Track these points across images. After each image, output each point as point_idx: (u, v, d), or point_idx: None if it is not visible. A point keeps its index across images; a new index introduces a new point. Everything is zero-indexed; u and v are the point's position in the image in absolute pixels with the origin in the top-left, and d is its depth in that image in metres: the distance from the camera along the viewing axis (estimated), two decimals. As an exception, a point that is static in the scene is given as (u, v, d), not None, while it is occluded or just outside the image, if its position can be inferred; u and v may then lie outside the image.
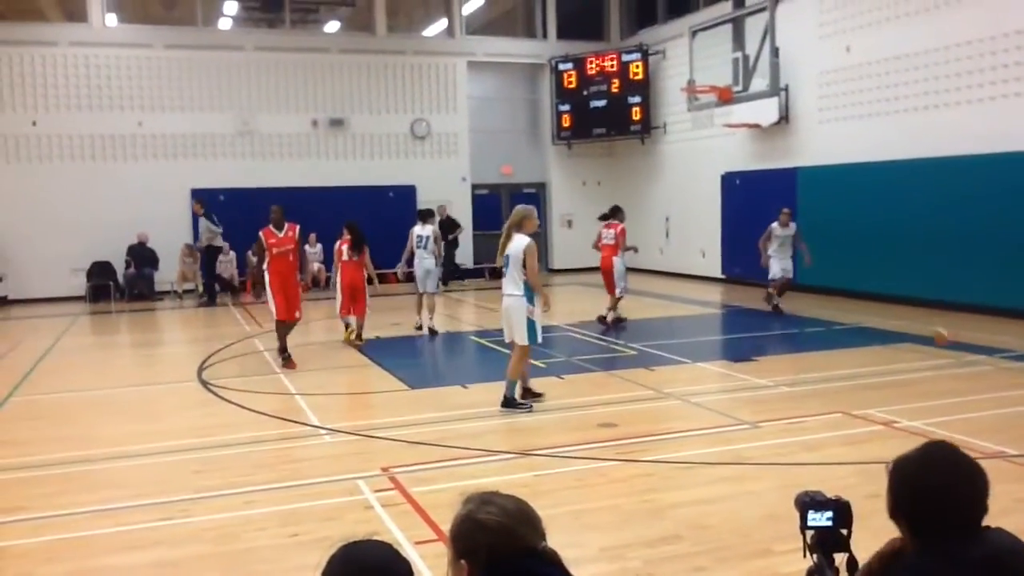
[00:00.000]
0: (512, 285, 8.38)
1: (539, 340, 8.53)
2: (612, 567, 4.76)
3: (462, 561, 2.09)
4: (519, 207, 8.76)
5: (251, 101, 20.91)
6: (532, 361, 10.88)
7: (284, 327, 11.13)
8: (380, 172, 21.30)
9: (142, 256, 19.82)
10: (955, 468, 2.19)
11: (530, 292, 8.34)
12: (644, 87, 22.06)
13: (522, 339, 8.33)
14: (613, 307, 13.79)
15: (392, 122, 22.02)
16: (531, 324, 8.32)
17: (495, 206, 23.32)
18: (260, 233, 11.38)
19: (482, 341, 12.61)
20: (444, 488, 5.98)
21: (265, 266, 11.21)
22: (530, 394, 8.67)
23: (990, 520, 2.26)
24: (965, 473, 2.18)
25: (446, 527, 2.20)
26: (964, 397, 8.30)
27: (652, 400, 8.79)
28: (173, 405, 9.39)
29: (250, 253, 16.88)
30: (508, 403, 8.37)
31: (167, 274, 19.89)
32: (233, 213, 19.49)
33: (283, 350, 11.10)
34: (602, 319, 13.70)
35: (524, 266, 8.27)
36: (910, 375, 9.42)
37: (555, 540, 2.14)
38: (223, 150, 20.70)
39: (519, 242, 8.36)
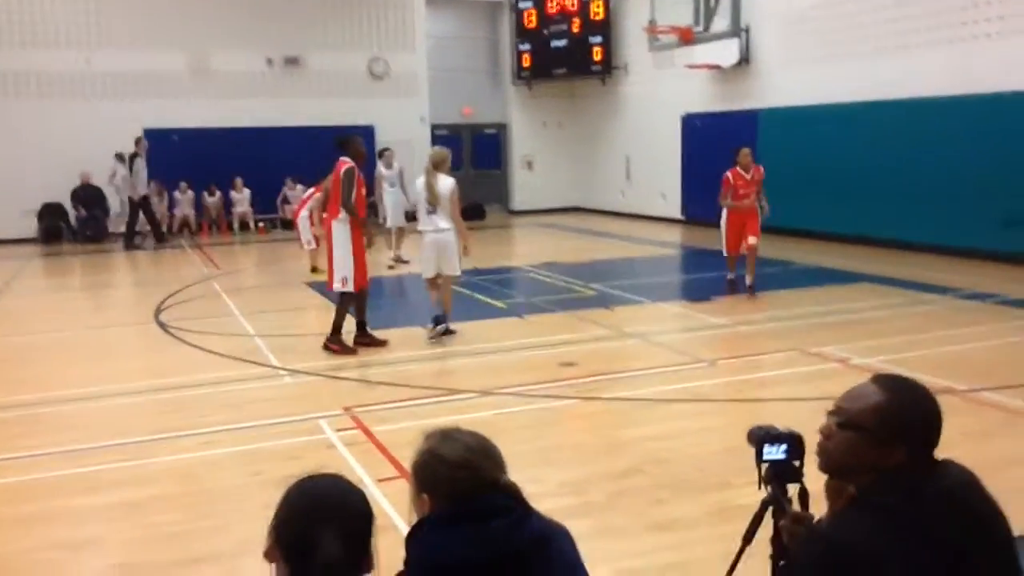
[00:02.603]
0: (444, 221, 8.74)
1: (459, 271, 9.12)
2: (573, 500, 4.85)
3: (424, 495, 2.12)
4: (437, 148, 9.38)
5: (204, 39, 20.37)
6: (494, 302, 10.94)
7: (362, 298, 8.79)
8: (338, 112, 20.93)
9: (88, 197, 19.35)
10: (927, 397, 2.23)
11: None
12: (605, 26, 21.84)
13: (455, 269, 8.89)
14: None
15: (349, 60, 21.61)
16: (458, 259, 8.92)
17: (456, 147, 23.10)
18: (353, 173, 8.30)
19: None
20: (406, 427, 6.02)
21: (341, 220, 8.41)
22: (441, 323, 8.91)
23: (940, 451, 2.32)
24: (932, 401, 2.22)
25: (408, 465, 2.21)
26: (916, 335, 8.48)
27: (612, 339, 8.88)
28: (132, 347, 9.30)
29: (309, 206, 13.28)
30: (445, 329, 8.88)
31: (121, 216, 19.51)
32: (187, 153, 19.11)
33: (362, 326, 8.79)
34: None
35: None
36: (865, 314, 9.59)
37: (516, 476, 2.17)
38: (176, 89, 20.19)
39: (445, 182, 8.74)
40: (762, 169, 10.87)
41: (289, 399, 7.10)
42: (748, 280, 10.71)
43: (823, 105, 15.35)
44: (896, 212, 14.01)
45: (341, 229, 8.36)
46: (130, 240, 18.32)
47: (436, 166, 8.82)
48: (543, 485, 4.92)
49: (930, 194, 13.40)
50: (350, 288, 8.43)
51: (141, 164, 18.20)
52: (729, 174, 10.75)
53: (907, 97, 13.68)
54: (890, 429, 2.14)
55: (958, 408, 6.25)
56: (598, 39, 21.89)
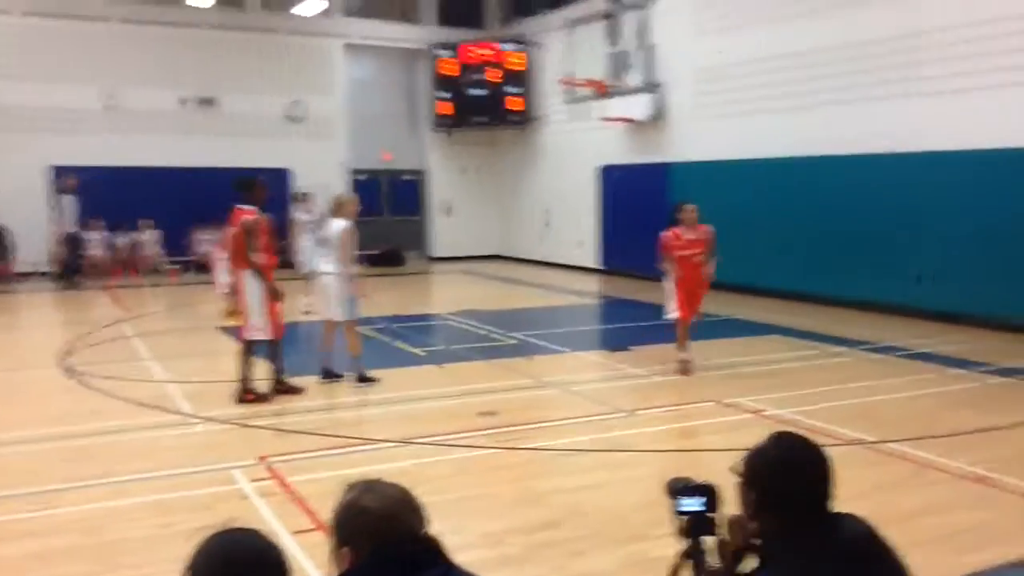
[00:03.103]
0: (331, 264, 8.92)
1: (356, 316, 9.06)
2: (491, 553, 4.80)
3: (345, 548, 2.07)
4: (339, 193, 9.81)
5: (116, 75, 19.95)
6: (413, 349, 10.87)
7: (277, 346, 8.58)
8: (253, 154, 20.64)
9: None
10: (808, 455, 2.32)
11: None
12: (523, 77, 22.20)
13: (334, 314, 8.90)
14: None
15: (266, 103, 21.41)
16: (351, 300, 8.89)
17: (374, 192, 23.07)
18: (253, 226, 8.18)
19: (361, 329, 12.44)
20: (323, 477, 5.89)
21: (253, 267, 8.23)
22: (332, 375, 9.01)
23: (851, 502, 2.40)
24: (817, 459, 2.31)
25: (326, 516, 2.17)
26: (827, 387, 8.71)
27: (531, 389, 8.89)
28: (37, 392, 8.93)
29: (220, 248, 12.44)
30: (362, 379, 8.87)
31: (26, 254, 18.79)
32: (96, 192, 18.60)
33: (278, 374, 8.53)
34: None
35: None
36: (778, 365, 9.83)
37: (436, 527, 2.15)
38: (86, 126, 19.68)
39: (337, 225, 8.88)
40: (711, 228, 9.47)
41: (201, 448, 6.89)
42: (685, 356, 9.39)
43: (733, 160, 15.82)
44: (807, 265, 14.46)
45: (251, 278, 8.22)
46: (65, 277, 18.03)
47: (334, 210, 9.10)
48: (462, 536, 4.86)
49: (840, 248, 13.87)
50: (265, 336, 8.26)
51: (69, 201, 17.86)
52: (668, 234, 9.29)
53: (816, 154, 14.19)
54: (749, 496, 2.30)
55: (867, 460, 6.44)
56: (516, 89, 22.23)
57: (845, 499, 2.42)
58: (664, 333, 12.52)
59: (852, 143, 13.61)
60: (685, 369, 9.32)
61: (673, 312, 9.39)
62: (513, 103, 22.30)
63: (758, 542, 2.34)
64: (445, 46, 22.72)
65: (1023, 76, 11.36)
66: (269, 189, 8.70)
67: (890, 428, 7.13)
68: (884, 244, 13.22)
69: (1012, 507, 5.49)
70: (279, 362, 8.56)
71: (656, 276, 14.84)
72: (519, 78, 22.23)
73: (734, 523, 2.42)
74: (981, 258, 11.85)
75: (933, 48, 12.47)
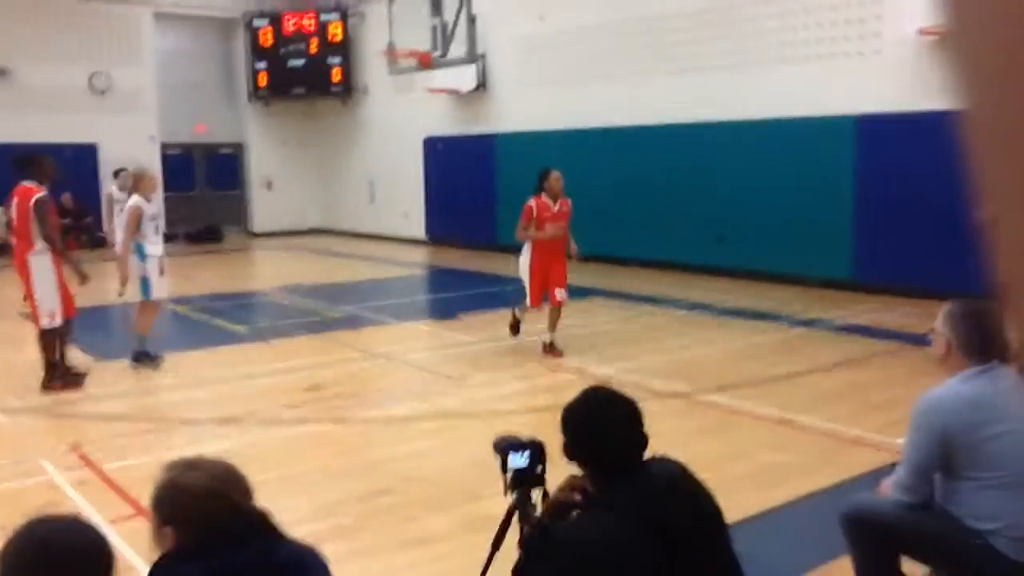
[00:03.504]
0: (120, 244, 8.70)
1: (151, 297, 8.42)
2: (324, 525, 4.77)
3: (167, 528, 2.02)
4: (135, 168, 9.18)
5: None
6: (234, 326, 10.56)
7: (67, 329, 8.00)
8: (55, 129, 19.31)
9: None
10: (619, 407, 2.46)
11: (142, 251, 8.28)
12: (344, 48, 21.79)
13: (129, 292, 8.47)
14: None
15: (67, 74, 20.04)
16: (144, 281, 8.32)
17: (188, 167, 22.12)
18: (44, 204, 7.51)
19: (178, 308, 11.97)
20: (142, 462, 5.65)
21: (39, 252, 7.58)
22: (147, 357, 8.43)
23: (668, 451, 2.56)
24: (629, 409, 2.46)
25: (146, 502, 2.10)
26: (645, 344, 9.13)
27: (359, 361, 8.84)
28: None
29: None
30: (137, 357, 8.36)
31: None
32: None
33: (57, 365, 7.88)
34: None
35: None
36: (599, 327, 10.19)
37: (266, 505, 2.13)
38: None
39: (129, 203, 8.52)
40: (570, 202, 8.78)
41: (7, 440, 6.45)
42: (548, 337, 8.76)
43: (556, 131, 16.14)
44: (625, 231, 15.00)
45: (41, 262, 7.52)
46: None
47: (131, 187, 8.73)
48: (294, 512, 4.79)
49: (652, 214, 14.47)
50: (59, 322, 7.69)
51: None
52: (533, 202, 8.55)
53: (631, 124, 14.70)
54: (567, 447, 2.44)
55: (683, 410, 6.81)
56: (337, 60, 21.80)
57: (662, 448, 2.57)
58: (491, 300, 12.73)
59: (667, 112, 14.17)
60: (551, 349, 8.67)
61: (528, 301, 8.73)
62: (334, 74, 21.85)
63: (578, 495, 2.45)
64: (263, 15, 21.95)
65: (824, 50, 12.19)
66: (56, 166, 7.89)
67: (702, 380, 7.56)
68: (689, 208, 13.90)
69: (810, 445, 5.96)
70: (65, 345, 7.98)
71: (479, 245, 15.06)
72: (340, 48, 21.79)
73: (567, 478, 2.52)
74: (779, 220, 12.67)
75: (747, 22, 13.12)
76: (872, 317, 10.26)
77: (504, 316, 11.01)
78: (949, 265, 10.78)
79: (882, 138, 11.63)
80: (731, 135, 13.18)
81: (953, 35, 0.29)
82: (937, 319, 3.35)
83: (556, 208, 8.57)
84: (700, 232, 13.71)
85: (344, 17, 21.72)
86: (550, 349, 8.71)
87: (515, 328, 9.10)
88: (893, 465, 3.44)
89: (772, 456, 5.72)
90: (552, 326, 8.75)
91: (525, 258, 8.75)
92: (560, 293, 8.66)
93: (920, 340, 8.94)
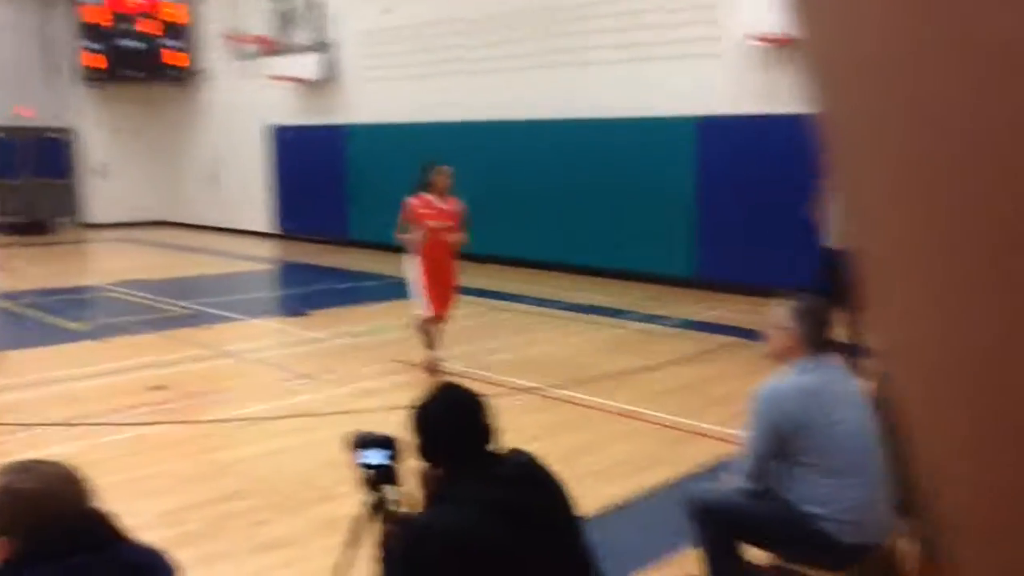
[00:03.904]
0: None
1: None
2: (171, 532, 4.60)
3: (2, 537, 1.93)
4: None
5: None
6: (68, 324, 10.02)
7: None
8: None
9: None
10: (468, 403, 2.52)
11: None
12: (184, 30, 20.92)
13: None
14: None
15: None
16: None
17: (10, 152, 20.71)
18: None
19: (6, 304, 11.23)
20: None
21: None
22: None
23: (521, 445, 2.62)
24: (477, 405, 2.51)
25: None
26: (500, 340, 9.25)
27: (207, 359, 8.56)
28: None
29: None
30: None
31: None
32: None
33: None
34: None
35: None
36: (455, 323, 10.18)
37: (110, 510, 2.06)
38: None
39: None
40: (458, 200, 7.99)
41: None
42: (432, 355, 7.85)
43: (408, 124, 16.05)
44: (475, 227, 15.05)
45: None
46: None
47: None
48: (139, 518, 4.58)
49: (500, 209, 14.60)
50: None
51: None
52: (413, 201, 7.75)
53: (483, 119, 14.79)
54: (420, 446, 2.50)
55: (537, 405, 6.96)
56: (177, 43, 20.89)
57: (516, 443, 2.64)
58: (343, 295, 12.59)
59: (517, 109, 14.33)
60: (433, 368, 7.74)
61: (424, 311, 7.70)
62: (173, 57, 20.92)
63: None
64: (90, -10, 20.70)
65: (665, 52, 12.64)
66: None
67: (554, 375, 7.73)
68: (537, 205, 14.16)
69: (656, 437, 6.21)
70: None
71: (331, 239, 14.84)
72: (179, 31, 20.89)
73: (420, 473, 2.54)
74: (624, 218, 13.08)
75: (591, 20, 13.41)
76: (712, 314, 10.75)
77: (355, 312, 10.94)
78: (784, 263, 11.43)
79: (722, 139, 12.18)
80: (578, 133, 13.48)
81: (806, 40, 0.30)
82: (774, 314, 3.55)
83: (444, 206, 7.68)
84: (548, 229, 13.98)
85: (184, -2, 20.81)
86: (432, 367, 7.71)
87: (433, 367, 7.75)
88: (732, 457, 3.64)
89: (621, 449, 5.92)
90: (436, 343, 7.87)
91: (412, 267, 7.72)
92: (447, 311, 7.83)
93: (757, 335, 9.46)
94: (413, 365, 8.11)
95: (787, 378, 3.45)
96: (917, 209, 0.25)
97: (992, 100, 0.22)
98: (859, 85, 0.26)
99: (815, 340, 3.47)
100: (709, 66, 12.29)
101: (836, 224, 7.82)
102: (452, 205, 7.81)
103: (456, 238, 7.74)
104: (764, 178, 11.60)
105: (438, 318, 7.76)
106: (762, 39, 11.38)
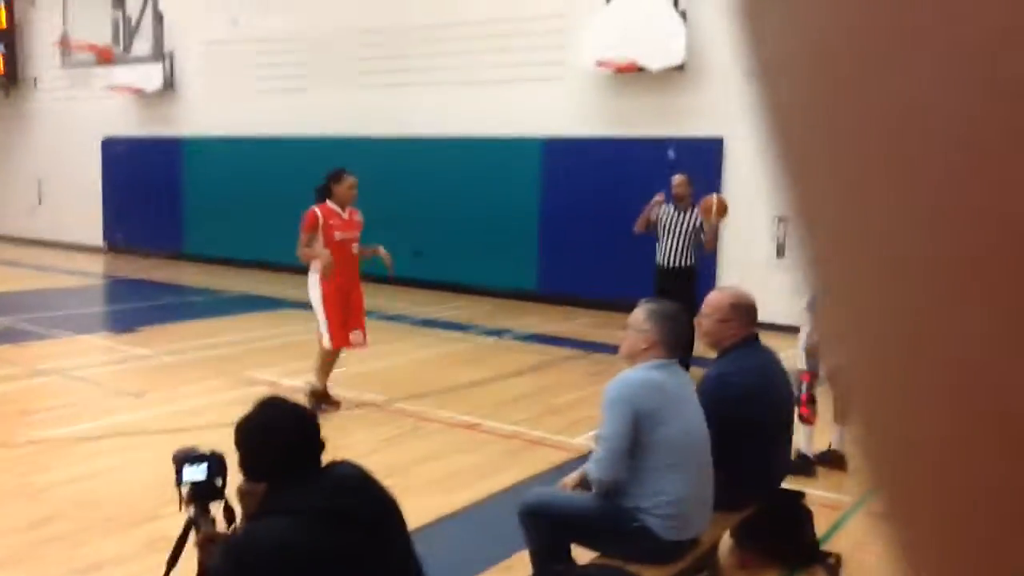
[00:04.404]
0: None
1: None
2: (-21, 559, 4.31)
3: None
4: None
5: None
6: None
7: None
8: None
9: None
10: (292, 415, 2.51)
11: None
12: (9, 35, 19.70)
13: None
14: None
15: None
16: None
17: None
18: None
19: None
20: None
21: None
22: None
23: (361, 459, 2.62)
24: (301, 417, 2.51)
25: None
26: (346, 354, 9.08)
27: (25, 378, 8.04)
28: None
29: None
30: None
31: None
32: None
33: None
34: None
35: None
36: (291, 338, 10.00)
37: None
38: None
39: None
40: (359, 212, 7.28)
41: None
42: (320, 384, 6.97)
43: (247, 137, 15.67)
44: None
45: None
46: None
47: None
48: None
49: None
50: None
51: None
52: (317, 209, 6.93)
53: (328, 135, 14.61)
54: (243, 461, 2.46)
55: (378, 419, 6.89)
56: (0, 48, 19.64)
57: (356, 456, 2.63)
58: (175, 311, 12.11)
59: (365, 125, 14.25)
60: (330, 401, 6.94)
61: (326, 342, 6.85)
62: (-1, 63, 19.66)
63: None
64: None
65: (513, 74, 12.86)
66: None
67: (397, 388, 7.69)
68: (390, 222, 14.08)
69: (495, 447, 6.27)
70: None
71: (164, 253, 14.27)
72: (4, 35, 19.65)
73: (240, 490, 2.48)
74: (471, 233, 13.20)
75: (444, 42, 13.48)
76: (554, 326, 10.97)
77: (186, 327, 10.53)
78: (620, 277, 11.81)
79: (565, 159, 12.50)
80: (427, 151, 13.54)
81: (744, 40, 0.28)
82: (633, 316, 3.66)
83: (346, 216, 7.01)
84: (397, 245, 13.88)
85: (9, 1, 19.62)
86: (323, 397, 6.86)
87: (323, 396, 6.87)
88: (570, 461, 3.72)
89: (460, 459, 5.94)
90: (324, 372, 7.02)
91: (315, 287, 6.90)
92: (357, 336, 6.98)
93: (596, 347, 9.73)
94: (244, 383, 7.89)
95: (639, 371, 3.56)
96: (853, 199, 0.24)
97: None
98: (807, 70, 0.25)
99: (669, 343, 3.60)
100: (554, 89, 12.60)
101: (668, 244, 8.17)
102: (356, 216, 7.13)
103: (367, 250, 7.16)
104: (603, 196, 11.98)
105: (346, 346, 6.96)
106: (602, 64, 11.78)
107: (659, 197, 8.29)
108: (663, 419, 3.44)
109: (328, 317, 6.80)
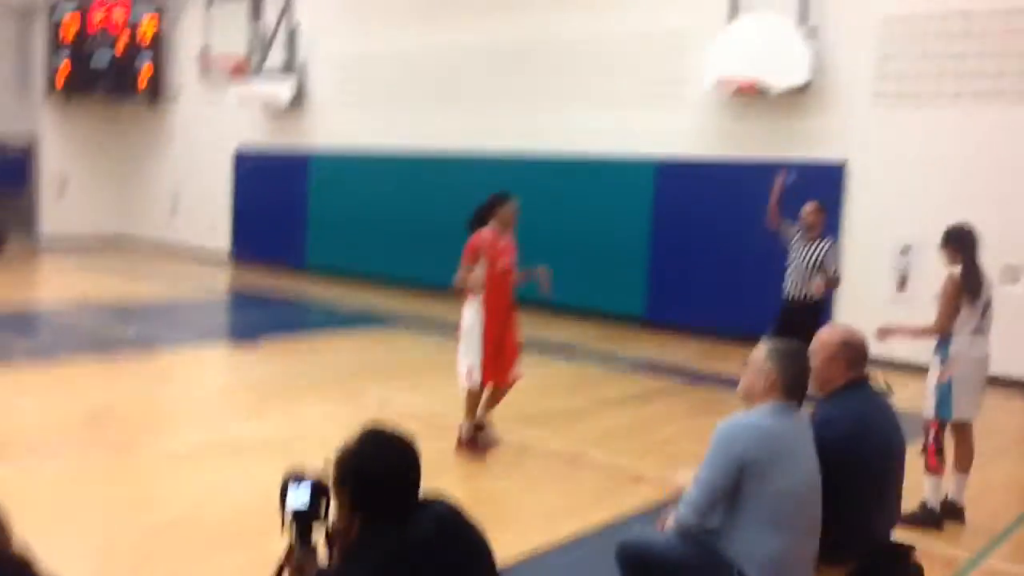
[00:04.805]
0: None
1: None
2: (100, 566, 4.55)
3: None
4: None
5: None
6: (7, 344, 9.84)
7: None
8: None
9: None
10: (395, 451, 2.47)
11: None
12: (155, 48, 20.77)
13: None
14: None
15: None
16: None
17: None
18: None
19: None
20: None
21: None
22: None
23: (454, 485, 2.62)
24: (404, 453, 2.47)
25: None
26: (450, 375, 9.15)
27: (150, 387, 8.38)
28: None
29: None
30: None
31: None
32: None
33: None
34: None
35: None
36: (405, 354, 10.20)
37: (34, 547, 2.04)
38: None
39: None
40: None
41: None
42: (485, 418, 6.73)
43: (375, 153, 15.99)
44: (444, 260, 14.92)
45: None
46: None
47: None
48: (65, 553, 4.52)
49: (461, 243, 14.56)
50: None
51: None
52: (483, 234, 6.51)
53: (452, 152, 14.75)
54: (342, 494, 2.43)
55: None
56: (147, 60, 20.70)
57: (455, 481, 2.64)
58: (296, 326, 12.46)
59: (485, 142, 14.32)
60: (484, 442, 6.63)
61: (472, 375, 6.47)
62: (142, 75, 20.71)
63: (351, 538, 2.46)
64: (68, 4, 20.47)
65: (630, 96, 12.81)
66: None
67: (499, 412, 7.65)
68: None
69: (596, 480, 6.20)
70: None
71: (288, 267, 14.58)
72: (151, 48, 20.72)
73: (332, 529, 2.52)
74: (580, 254, 13.12)
75: (567, 56, 13.54)
76: (660, 353, 10.83)
77: (305, 342, 10.80)
78: (731, 307, 11.58)
79: (679, 183, 12.35)
80: (541, 170, 13.58)
81: None
82: (755, 354, 3.57)
83: (506, 242, 6.60)
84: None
85: (158, 14, 20.66)
86: (474, 441, 6.55)
87: (472, 439, 6.57)
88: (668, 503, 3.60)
89: (559, 491, 5.92)
90: (489, 406, 6.72)
91: (473, 317, 6.48)
92: (515, 370, 6.63)
93: (702, 378, 9.55)
94: (359, 401, 8.06)
95: (752, 416, 3.45)
96: None
97: None
98: None
99: (789, 385, 3.48)
100: (671, 110, 12.46)
101: (793, 275, 7.97)
102: (512, 243, 6.69)
103: (523, 274, 6.74)
104: (716, 222, 11.79)
105: (496, 384, 6.59)
106: (723, 84, 11.58)
107: (782, 178, 8.11)
108: (772, 472, 3.32)
109: (485, 351, 6.42)
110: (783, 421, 3.44)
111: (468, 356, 6.42)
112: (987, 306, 5.63)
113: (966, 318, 5.54)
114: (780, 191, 8.17)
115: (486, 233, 6.47)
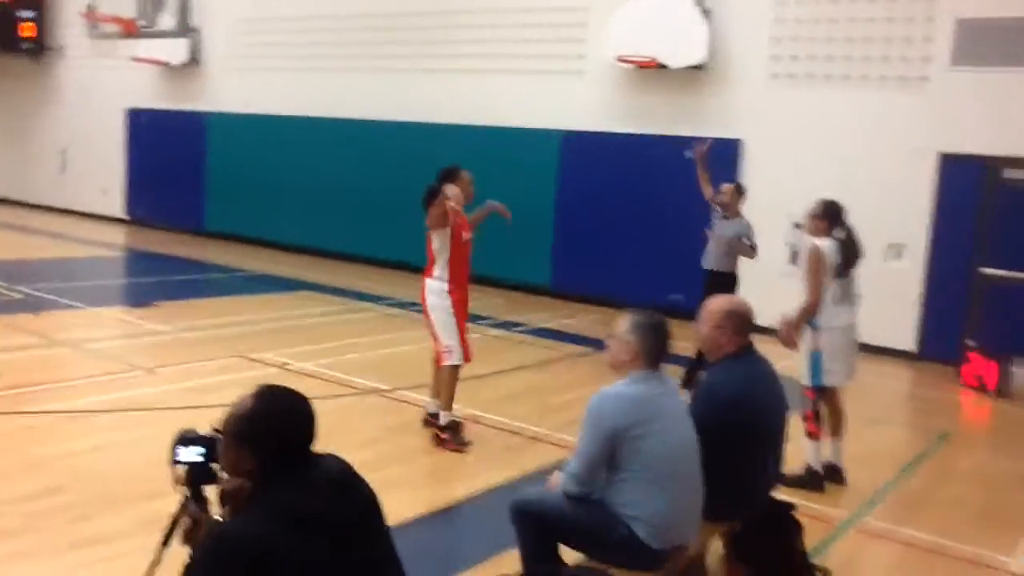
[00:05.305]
0: None
1: None
2: (-16, 527, 4.42)
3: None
4: None
5: None
6: None
7: None
8: None
9: None
10: (288, 406, 2.49)
11: None
12: (38, 2, 19.83)
13: None
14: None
15: None
16: None
17: None
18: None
19: None
20: None
21: None
22: None
23: (364, 446, 2.65)
24: (298, 409, 2.49)
25: None
26: (350, 340, 9.19)
27: (39, 348, 8.16)
28: None
29: None
30: None
31: None
32: None
33: None
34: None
35: None
36: (305, 320, 10.12)
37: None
38: None
39: None
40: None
41: None
42: (441, 408, 6.11)
43: (271, 115, 15.74)
44: (335, 224, 14.93)
45: None
46: None
47: None
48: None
49: (370, 210, 14.51)
50: None
51: None
52: (451, 200, 6.14)
53: (349, 117, 14.66)
54: (241, 435, 2.42)
55: (382, 407, 6.97)
56: (29, 13, 19.76)
57: (358, 443, 2.67)
58: (192, 288, 12.23)
59: (386, 110, 14.28)
60: (460, 441, 6.06)
61: (453, 354, 6.09)
62: (24, 28, 19.77)
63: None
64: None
65: (533, 66, 12.86)
66: None
67: (402, 377, 7.76)
68: (401, 206, 14.10)
69: (495, 442, 6.32)
70: None
71: (185, 228, 14.33)
72: (32, 1, 19.79)
73: (223, 491, 2.51)
74: (486, 225, 13.16)
75: (472, 26, 13.48)
76: (563, 322, 11.00)
77: (203, 305, 10.65)
78: (632, 276, 11.83)
79: (583, 155, 12.49)
80: (444, 138, 13.53)
81: None
82: (617, 326, 3.69)
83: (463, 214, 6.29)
84: (411, 232, 13.95)
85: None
86: (453, 441, 6.00)
87: (457, 427, 6.11)
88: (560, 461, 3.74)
89: (458, 452, 5.99)
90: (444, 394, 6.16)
91: (442, 296, 6.17)
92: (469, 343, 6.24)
93: (602, 345, 9.76)
94: (260, 361, 7.98)
95: (618, 387, 3.60)
96: None
97: None
98: None
99: (651, 354, 3.63)
100: (575, 83, 12.59)
101: (712, 249, 8.19)
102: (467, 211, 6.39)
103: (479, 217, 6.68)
104: (619, 193, 11.99)
105: (467, 360, 6.23)
106: (622, 60, 11.75)
107: (705, 147, 8.36)
108: (642, 434, 3.46)
109: (460, 328, 6.11)
110: (649, 387, 3.60)
111: (444, 335, 6.04)
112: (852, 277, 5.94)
113: (829, 289, 5.80)
114: (703, 160, 8.37)
115: (449, 192, 6.12)
